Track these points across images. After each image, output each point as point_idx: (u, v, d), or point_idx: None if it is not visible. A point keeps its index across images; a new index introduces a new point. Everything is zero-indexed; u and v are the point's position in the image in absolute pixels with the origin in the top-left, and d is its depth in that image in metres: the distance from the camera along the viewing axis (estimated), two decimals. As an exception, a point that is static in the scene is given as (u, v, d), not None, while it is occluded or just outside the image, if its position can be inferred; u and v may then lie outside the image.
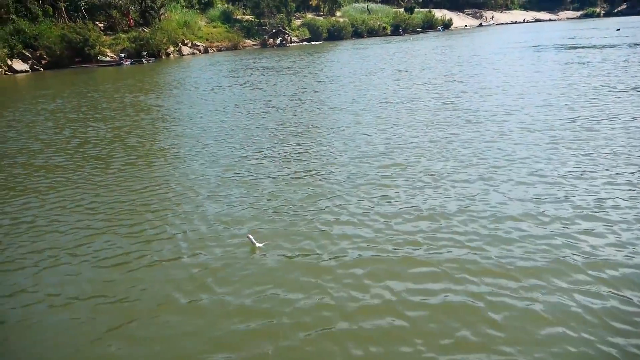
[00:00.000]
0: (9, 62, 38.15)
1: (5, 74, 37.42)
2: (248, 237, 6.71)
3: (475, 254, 6.45)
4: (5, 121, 18.11)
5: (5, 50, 37.98)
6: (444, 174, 9.53)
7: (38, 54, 40.51)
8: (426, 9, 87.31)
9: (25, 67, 39.09)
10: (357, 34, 68.30)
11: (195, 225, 7.84)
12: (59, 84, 30.46)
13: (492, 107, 15.27)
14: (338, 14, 74.69)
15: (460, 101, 16.62)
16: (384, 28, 73.07)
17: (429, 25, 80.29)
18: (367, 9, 78.33)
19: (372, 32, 70.75)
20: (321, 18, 69.56)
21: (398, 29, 73.57)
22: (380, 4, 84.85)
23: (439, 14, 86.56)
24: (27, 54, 39.78)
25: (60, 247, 7.32)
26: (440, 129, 12.99)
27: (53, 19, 44.06)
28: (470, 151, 10.87)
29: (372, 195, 8.66)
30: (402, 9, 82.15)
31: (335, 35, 64.57)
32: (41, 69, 39.93)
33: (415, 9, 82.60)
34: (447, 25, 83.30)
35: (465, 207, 7.88)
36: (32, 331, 5.44)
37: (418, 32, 75.07)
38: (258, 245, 6.67)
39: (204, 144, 13.10)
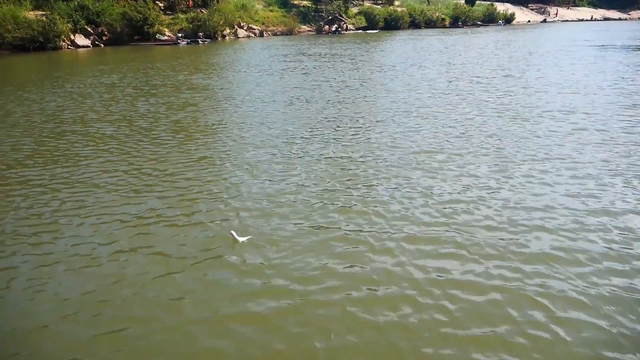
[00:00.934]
0: (72, 37, 39.48)
1: (68, 48, 38.80)
2: (231, 233, 6.56)
3: (510, 244, 6.24)
4: (65, 92, 18.78)
5: (69, 25, 39.29)
6: (486, 168, 9.25)
7: (100, 30, 41.73)
8: (488, 2, 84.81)
9: (87, 42, 40.39)
10: (415, 25, 67.07)
11: (225, 200, 7.94)
12: (117, 60, 31.35)
13: (545, 105, 14.72)
14: (396, 2, 73.51)
15: (512, 97, 16.08)
16: (443, 19, 71.51)
17: (490, 19, 77.98)
18: (427, -1, 76.84)
19: (430, 23, 69.34)
20: (379, 7, 68.68)
21: (457, 21, 71.87)
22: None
23: (501, 7, 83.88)
24: (89, 29, 41.03)
25: (90, 213, 7.57)
26: (488, 124, 12.60)
27: (116, -3, 45.26)
28: (516, 147, 10.52)
29: (411, 184, 8.50)
30: (462, 1, 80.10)
31: (391, 24, 63.60)
32: (101, 45, 41.17)
33: (477, 1, 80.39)
34: (508, 19, 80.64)
35: (505, 200, 7.63)
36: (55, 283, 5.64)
37: (478, 26, 73.09)
38: (241, 240, 6.49)
39: (249, 123, 13.22)
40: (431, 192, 8.10)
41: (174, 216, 7.44)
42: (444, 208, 7.50)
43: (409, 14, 66.94)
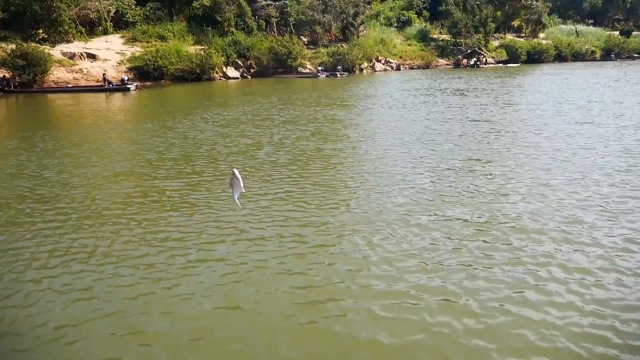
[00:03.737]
0: (224, 69, 43.39)
1: (220, 79, 42.66)
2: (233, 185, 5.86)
3: None
4: (216, 113, 20.70)
5: (223, 59, 43.34)
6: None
7: (249, 63, 45.50)
8: (647, 33, 78.03)
9: (236, 74, 44.09)
10: (560, 58, 63.78)
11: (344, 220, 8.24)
12: (263, 91, 33.80)
13: None
14: (541, 35, 70.60)
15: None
16: (593, 52, 67.22)
17: (648, 51, 71.59)
18: (576, 31, 72.76)
19: (578, 57, 65.49)
20: (522, 40, 66.43)
21: (609, 54, 66.98)
22: (591, 27, 78.25)
23: (665, 39, 76.61)
24: (239, 62, 44.93)
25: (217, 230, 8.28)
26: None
27: (265, 32, 49.14)
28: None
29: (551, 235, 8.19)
30: (617, 32, 74.59)
31: (534, 58, 61.08)
32: (249, 77, 44.70)
33: (634, 33, 74.35)
34: (672, 52, 73.34)
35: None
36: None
37: (634, 58, 67.39)
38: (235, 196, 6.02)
39: (380, 153, 13.66)
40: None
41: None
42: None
43: (555, 46, 63.93)
